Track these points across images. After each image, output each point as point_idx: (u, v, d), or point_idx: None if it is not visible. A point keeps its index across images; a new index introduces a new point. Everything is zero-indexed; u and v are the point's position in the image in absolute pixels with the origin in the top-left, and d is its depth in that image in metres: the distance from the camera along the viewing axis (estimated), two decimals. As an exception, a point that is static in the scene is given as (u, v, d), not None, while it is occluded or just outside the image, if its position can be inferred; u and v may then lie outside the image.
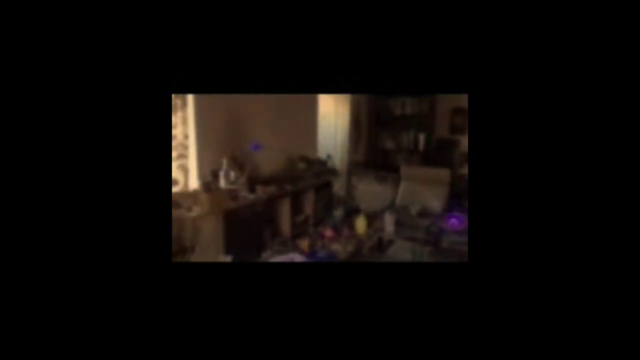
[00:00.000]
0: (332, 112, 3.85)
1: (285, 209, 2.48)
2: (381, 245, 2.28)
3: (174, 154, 1.92)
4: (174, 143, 1.91)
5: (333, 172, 3.25)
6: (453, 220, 2.37)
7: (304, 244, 2.16)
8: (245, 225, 2.04)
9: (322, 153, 3.56)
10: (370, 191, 3.19)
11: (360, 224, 2.45)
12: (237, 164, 2.14)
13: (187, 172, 2.00)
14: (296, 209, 2.63)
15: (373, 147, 4.38)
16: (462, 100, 3.91)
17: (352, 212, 2.89)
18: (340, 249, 2.13)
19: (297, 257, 2.01)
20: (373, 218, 2.71)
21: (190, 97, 1.99)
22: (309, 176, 2.80)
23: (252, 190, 2.12)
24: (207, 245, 1.83)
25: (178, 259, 1.67)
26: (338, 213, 2.85)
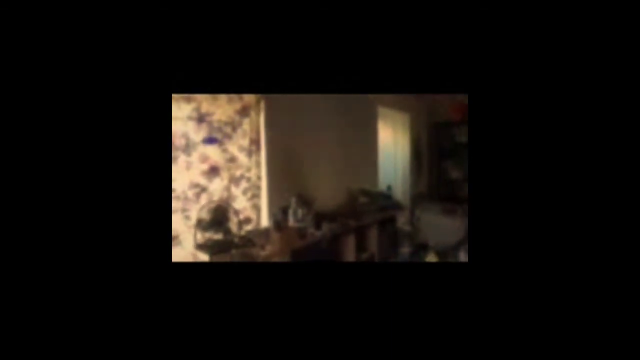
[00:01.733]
0: (391, 142, 3.76)
1: (349, 246, 2.39)
2: None
3: (248, 194, 2.01)
4: (247, 184, 2.00)
5: (397, 205, 3.10)
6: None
7: None
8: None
9: (382, 185, 3.45)
10: (438, 225, 2.97)
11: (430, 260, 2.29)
12: (304, 201, 2.17)
13: (259, 211, 2.10)
14: (360, 245, 2.52)
15: (437, 178, 4.16)
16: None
17: (420, 249, 2.69)
18: None
19: None
20: (444, 255, 2.49)
21: (262, 143, 2.09)
22: (371, 211, 2.70)
23: (317, 227, 2.12)
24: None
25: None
26: (405, 250, 2.67)
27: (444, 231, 2.88)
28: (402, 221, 3.32)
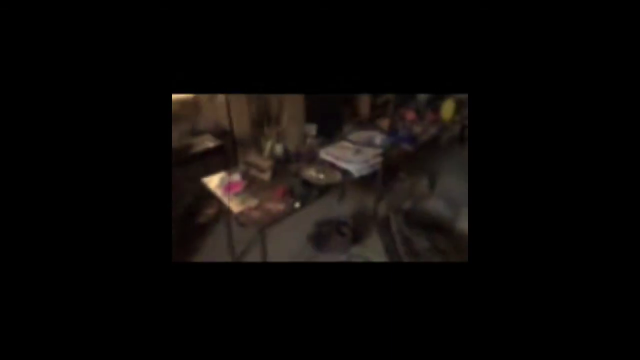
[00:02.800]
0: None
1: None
2: (462, 137, 2.18)
3: None
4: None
5: None
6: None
7: (384, 123, 2.12)
8: (324, 102, 2.08)
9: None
10: None
11: (447, 108, 2.27)
12: None
13: None
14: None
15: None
16: None
17: (437, 95, 2.61)
18: (420, 132, 2.08)
19: (378, 136, 1.99)
20: (463, 105, 2.45)
21: None
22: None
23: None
24: (292, 119, 1.96)
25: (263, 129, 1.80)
26: (422, 96, 2.61)
27: None
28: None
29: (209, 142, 2.22)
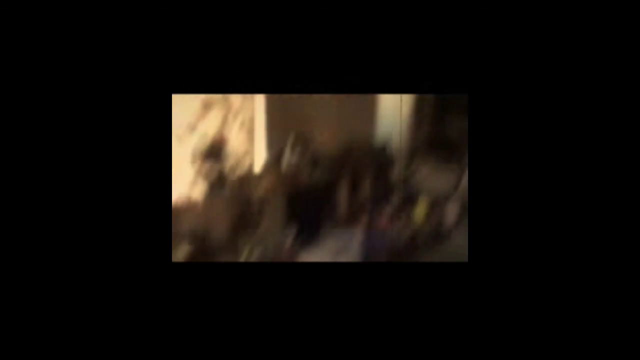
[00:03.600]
0: (395, 94, 3.57)
1: (342, 193, 2.49)
2: (439, 236, 2.20)
3: (243, 131, 1.99)
4: (243, 120, 1.98)
5: (391, 157, 3.15)
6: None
7: (360, 227, 2.17)
8: (306, 205, 2.12)
9: (382, 134, 3.40)
10: (432, 176, 3.04)
11: (419, 211, 2.32)
12: (303, 141, 2.13)
13: (253, 150, 2.09)
14: (353, 193, 2.62)
15: (437, 129, 4.06)
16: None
17: (410, 198, 2.79)
18: (395, 237, 2.12)
19: (355, 240, 2.04)
20: (435, 206, 2.59)
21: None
22: (367, 160, 2.75)
23: (311, 171, 2.12)
24: (271, 223, 1.95)
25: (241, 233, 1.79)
26: (395, 199, 2.78)
27: (438, 181, 2.95)
28: (396, 171, 3.38)
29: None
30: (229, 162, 1.79)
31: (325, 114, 2.57)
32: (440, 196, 2.68)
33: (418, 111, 3.80)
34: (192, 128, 1.75)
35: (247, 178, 1.87)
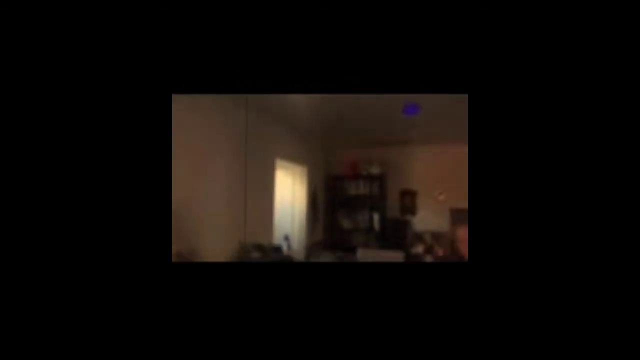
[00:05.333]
0: (289, 193, 3.77)
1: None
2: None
3: None
4: None
5: (288, 258, 3.07)
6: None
7: None
8: None
9: (278, 235, 3.36)
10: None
11: None
12: (184, 259, 1.92)
13: None
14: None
15: (331, 227, 4.31)
16: (410, 183, 4.22)
17: None
18: None
19: None
20: None
21: None
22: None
23: None
24: None
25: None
26: None
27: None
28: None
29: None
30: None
31: (209, 225, 2.39)
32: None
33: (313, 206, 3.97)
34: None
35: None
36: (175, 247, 1.95)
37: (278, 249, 3.06)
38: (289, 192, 3.81)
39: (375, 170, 4.22)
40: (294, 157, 3.68)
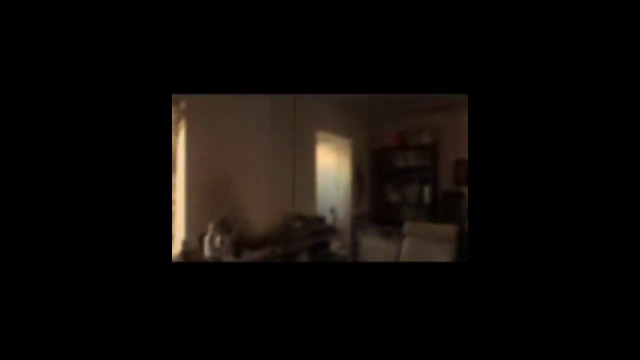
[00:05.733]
0: (334, 166, 3.73)
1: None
2: None
3: None
4: None
5: (331, 230, 3.06)
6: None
7: None
8: None
9: (322, 208, 3.38)
10: (375, 248, 2.96)
11: None
12: (227, 227, 2.03)
13: (172, 238, 1.99)
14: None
15: (377, 201, 4.21)
16: (466, 152, 3.86)
17: None
18: None
19: None
20: None
21: (180, 158, 1.95)
22: (304, 236, 2.62)
23: (237, 255, 2.01)
24: None
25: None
26: None
27: (378, 254, 2.87)
28: (338, 245, 3.26)
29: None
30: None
31: (255, 196, 2.50)
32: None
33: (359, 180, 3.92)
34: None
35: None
36: (224, 216, 2.06)
37: (321, 220, 3.09)
38: (334, 164, 3.77)
39: (425, 139, 3.93)
40: (338, 129, 3.60)
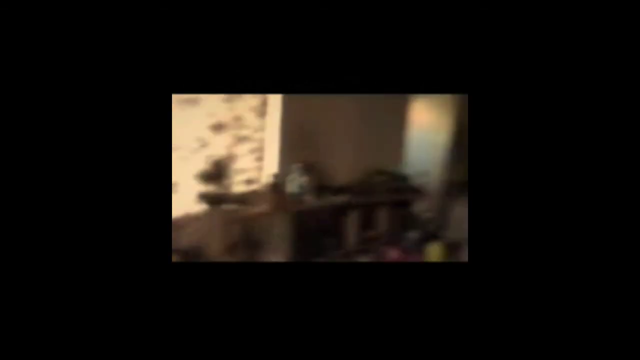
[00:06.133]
0: (434, 126, 3.51)
1: (351, 221, 2.39)
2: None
3: (254, 155, 2.07)
4: (254, 145, 2.07)
5: (416, 190, 2.99)
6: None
7: (368, 259, 2.10)
8: (308, 230, 2.09)
9: (413, 169, 3.31)
10: (462, 217, 2.83)
11: (434, 252, 2.20)
12: (307, 169, 2.15)
13: (261, 173, 2.16)
14: (367, 224, 2.51)
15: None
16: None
17: (429, 237, 2.62)
18: None
19: None
20: (455, 248, 2.39)
21: (278, 100, 2.07)
22: (385, 191, 2.64)
23: (318, 197, 2.10)
24: (272, 243, 1.95)
25: (230, 254, 1.79)
26: (412, 235, 2.62)
27: (464, 223, 2.76)
28: (423, 207, 3.20)
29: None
30: (233, 180, 1.83)
31: (344, 139, 2.55)
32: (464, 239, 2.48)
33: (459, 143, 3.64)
34: (201, 147, 1.81)
35: (251, 196, 1.89)
36: (304, 158, 2.12)
37: (404, 178, 3.04)
38: (433, 125, 3.54)
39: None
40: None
